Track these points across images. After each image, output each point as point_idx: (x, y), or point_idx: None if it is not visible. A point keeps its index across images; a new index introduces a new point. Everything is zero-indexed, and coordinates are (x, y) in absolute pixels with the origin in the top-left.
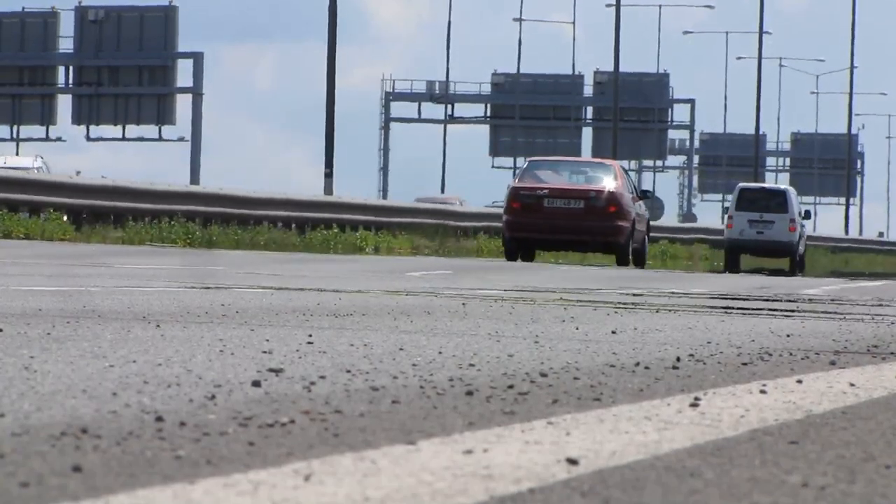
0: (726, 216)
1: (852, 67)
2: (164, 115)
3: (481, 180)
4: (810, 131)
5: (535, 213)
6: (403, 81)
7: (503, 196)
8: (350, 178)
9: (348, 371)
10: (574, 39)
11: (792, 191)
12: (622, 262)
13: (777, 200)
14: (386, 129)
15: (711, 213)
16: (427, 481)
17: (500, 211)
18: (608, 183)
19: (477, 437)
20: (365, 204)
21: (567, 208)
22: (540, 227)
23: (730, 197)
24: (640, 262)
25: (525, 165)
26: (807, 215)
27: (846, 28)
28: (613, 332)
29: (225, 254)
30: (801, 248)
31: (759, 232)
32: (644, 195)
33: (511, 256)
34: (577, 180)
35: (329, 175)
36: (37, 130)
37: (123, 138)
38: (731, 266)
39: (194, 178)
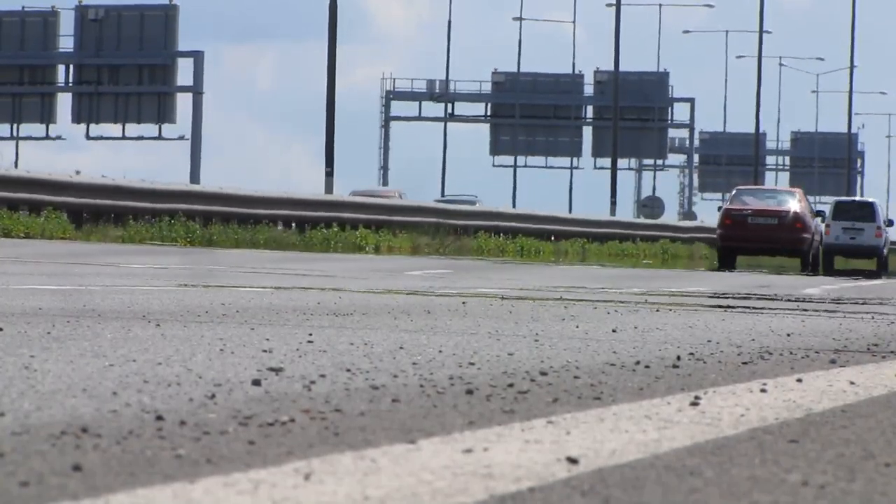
0: (824, 225)
1: (852, 66)
2: (164, 114)
3: (482, 179)
4: (810, 130)
5: (742, 227)
6: (404, 80)
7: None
8: (350, 177)
9: (348, 370)
10: (574, 39)
11: (878, 203)
12: (804, 265)
13: (866, 211)
14: (386, 127)
15: (711, 211)
16: (427, 480)
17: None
18: (794, 205)
19: (477, 436)
20: (365, 203)
21: (765, 224)
22: (745, 238)
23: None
24: (815, 266)
25: (734, 192)
26: (889, 223)
27: (846, 27)
28: (614, 331)
29: (225, 253)
30: (886, 251)
31: (852, 238)
32: (818, 214)
33: (723, 262)
34: (771, 203)
35: (329, 174)
36: (37, 129)
37: (123, 137)
38: (828, 267)
39: (194, 177)
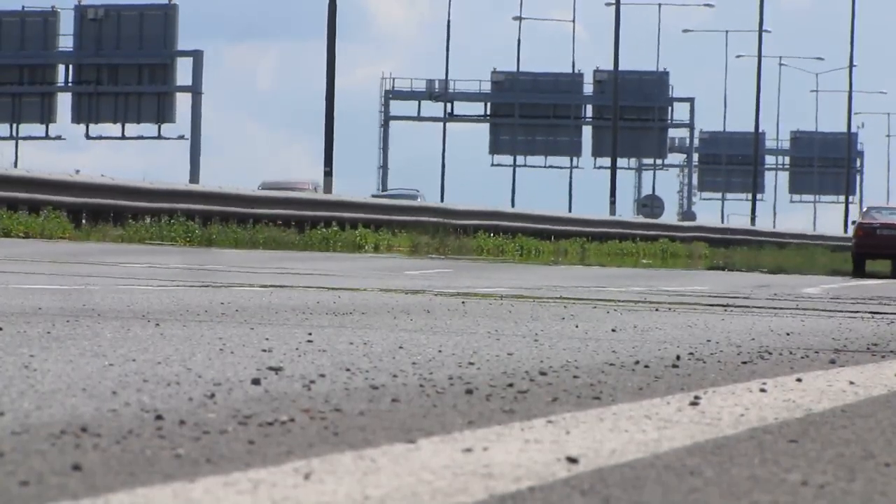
0: None
1: (852, 66)
2: (163, 114)
3: (481, 179)
4: (810, 130)
5: (872, 238)
6: (403, 80)
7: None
8: (350, 177)
9: (348, 369)
10: (574, 38)
11: None
12: None
13: None
14: (385, 127)
15: (711, 211)
16: (427, 480)
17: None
18: None
19: (477, 435)
20: (364, 202)
21: (890, 234)
22: (874, 246)
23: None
24: None
25: (865, 210)
26: None
27: (846, 27)
28: (613, 331)
29: (224, 252)
30: None
31: None
32: None
33: (857, 266)
34: (895, 218)
35: (329, 174)
36: (36, 129)
37: (123, 137)
38: None
39: (194, 176)
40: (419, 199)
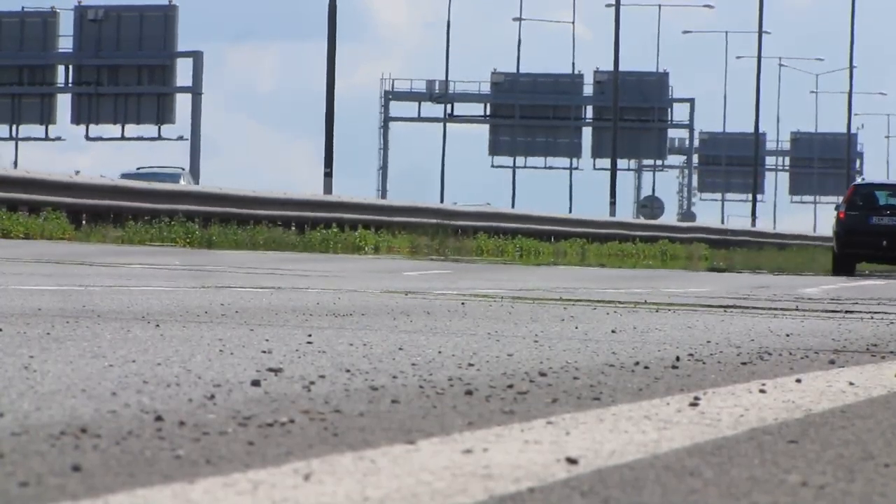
0: None
1: (851, 67)
2: (163, 115)
3: (480, 180)
4: (810, 131)
5: None
6: (403, 81)
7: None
8: (349, 178)
9: (348, 371)
10: (574, 39)
11: None
12: None
13: None
14: (385, 128)
15: (711, 212)
16: (426, 481)
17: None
18: None
19: (476, 436)
20: (364, 203)
21: None
22: None
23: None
24: None
25: None
26: None
27: (846, 28)
28: (613, 332)
29: (224, 253)
30: None
31: None
32: None
33: None
34: None
35: (329, 175)
36: (36, 130)
37: (123, 137)
38: None
39: (194, 177)
40: (182, 180)
